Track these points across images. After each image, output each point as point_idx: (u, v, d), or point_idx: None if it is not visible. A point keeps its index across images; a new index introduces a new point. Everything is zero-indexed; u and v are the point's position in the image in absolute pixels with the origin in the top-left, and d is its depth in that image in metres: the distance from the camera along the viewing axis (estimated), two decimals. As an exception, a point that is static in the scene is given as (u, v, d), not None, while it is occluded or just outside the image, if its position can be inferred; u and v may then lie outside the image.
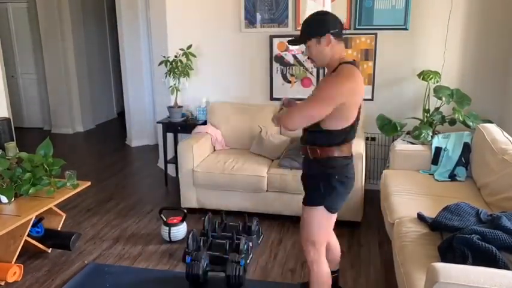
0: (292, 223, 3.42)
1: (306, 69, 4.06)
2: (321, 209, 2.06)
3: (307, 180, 2.15)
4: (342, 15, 3.86)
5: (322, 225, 2.11)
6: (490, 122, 3.43)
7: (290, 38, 2.07)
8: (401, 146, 3.47)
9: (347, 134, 2.01)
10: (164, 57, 4.18)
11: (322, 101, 1.89)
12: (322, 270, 2.15)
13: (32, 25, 6.70)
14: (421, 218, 2.43)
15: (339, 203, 2.09)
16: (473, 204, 2.44)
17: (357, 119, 2.03)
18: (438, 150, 3.32)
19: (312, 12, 2.03)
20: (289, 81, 4.14)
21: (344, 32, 2.01)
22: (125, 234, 3.38)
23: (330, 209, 2.07)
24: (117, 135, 6.72)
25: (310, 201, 2.10)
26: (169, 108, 4.25)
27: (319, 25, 1.93)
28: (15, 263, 2.65)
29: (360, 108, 2.02)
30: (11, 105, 5.02)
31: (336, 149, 2.00)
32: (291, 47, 4.03)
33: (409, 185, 3.00)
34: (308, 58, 2.06)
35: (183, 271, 2.68)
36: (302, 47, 2.05)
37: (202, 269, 2.61)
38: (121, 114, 7.78)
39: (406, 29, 3.79)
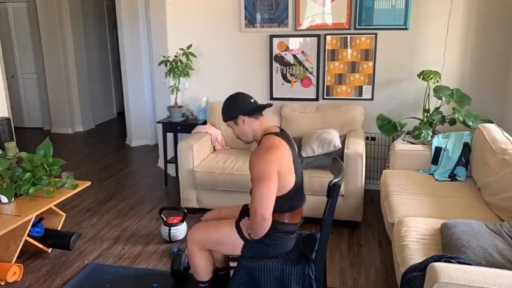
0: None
1: (306, 69, 4.05)
2: (238, 239, 2.08)
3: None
4: (342, 15, 3.87)
5: (222, 244, 2.14)
6: (490, 122, 3.42)
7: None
8: (401, 146, 3.47)
9: (292, 199, 2.05)
10: (164, 57, 4.18)
11: (264, 179, 1.92)
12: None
13: (32, 25, 6.70)
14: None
15: (256, 253, 2.09)
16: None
17: (301, 186, 2.11)
18: (438, 150, 3.32)
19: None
20: (289, 81, 4.14)
21: (258, 107, 2.13)
22: (124, 234, 3.38)
23: (246, 253, 2.08)
24: (117, 135, 6.72)
25: (240, 231, 2.10)
26: (169, 108, 4.25)
27: (231, 110, 2.12)
28: (15, 263, 2.65)
29: (297, 172, 2.05)
30: (11, 105, 5.03)
31: (287, 215, 2.07)
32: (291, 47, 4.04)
33: (409, 185, 3.00)
34: (237, 137, 2.20)
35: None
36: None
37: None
38: (121, 114, 7.79)
39: (406, 28, 3.79)
